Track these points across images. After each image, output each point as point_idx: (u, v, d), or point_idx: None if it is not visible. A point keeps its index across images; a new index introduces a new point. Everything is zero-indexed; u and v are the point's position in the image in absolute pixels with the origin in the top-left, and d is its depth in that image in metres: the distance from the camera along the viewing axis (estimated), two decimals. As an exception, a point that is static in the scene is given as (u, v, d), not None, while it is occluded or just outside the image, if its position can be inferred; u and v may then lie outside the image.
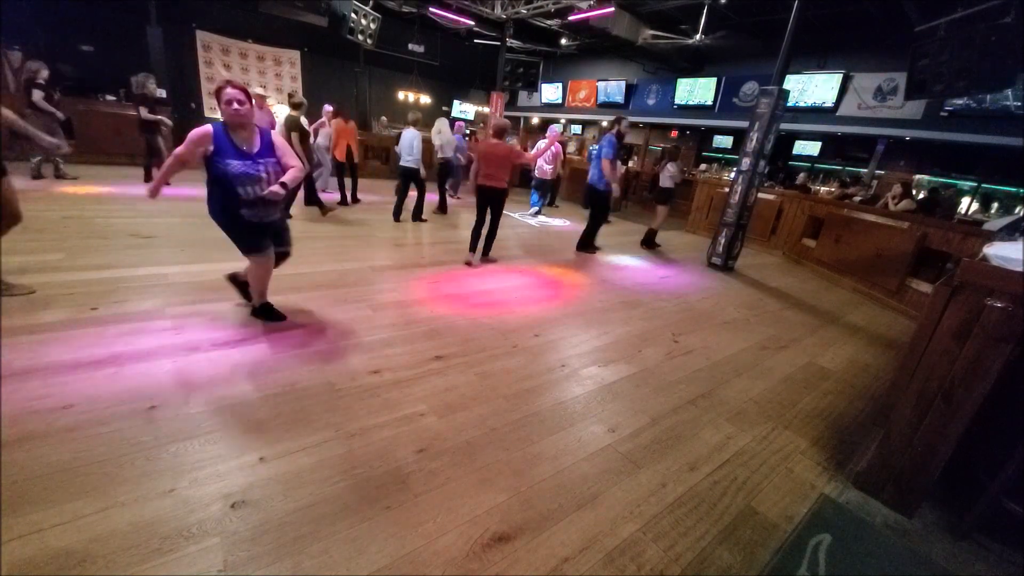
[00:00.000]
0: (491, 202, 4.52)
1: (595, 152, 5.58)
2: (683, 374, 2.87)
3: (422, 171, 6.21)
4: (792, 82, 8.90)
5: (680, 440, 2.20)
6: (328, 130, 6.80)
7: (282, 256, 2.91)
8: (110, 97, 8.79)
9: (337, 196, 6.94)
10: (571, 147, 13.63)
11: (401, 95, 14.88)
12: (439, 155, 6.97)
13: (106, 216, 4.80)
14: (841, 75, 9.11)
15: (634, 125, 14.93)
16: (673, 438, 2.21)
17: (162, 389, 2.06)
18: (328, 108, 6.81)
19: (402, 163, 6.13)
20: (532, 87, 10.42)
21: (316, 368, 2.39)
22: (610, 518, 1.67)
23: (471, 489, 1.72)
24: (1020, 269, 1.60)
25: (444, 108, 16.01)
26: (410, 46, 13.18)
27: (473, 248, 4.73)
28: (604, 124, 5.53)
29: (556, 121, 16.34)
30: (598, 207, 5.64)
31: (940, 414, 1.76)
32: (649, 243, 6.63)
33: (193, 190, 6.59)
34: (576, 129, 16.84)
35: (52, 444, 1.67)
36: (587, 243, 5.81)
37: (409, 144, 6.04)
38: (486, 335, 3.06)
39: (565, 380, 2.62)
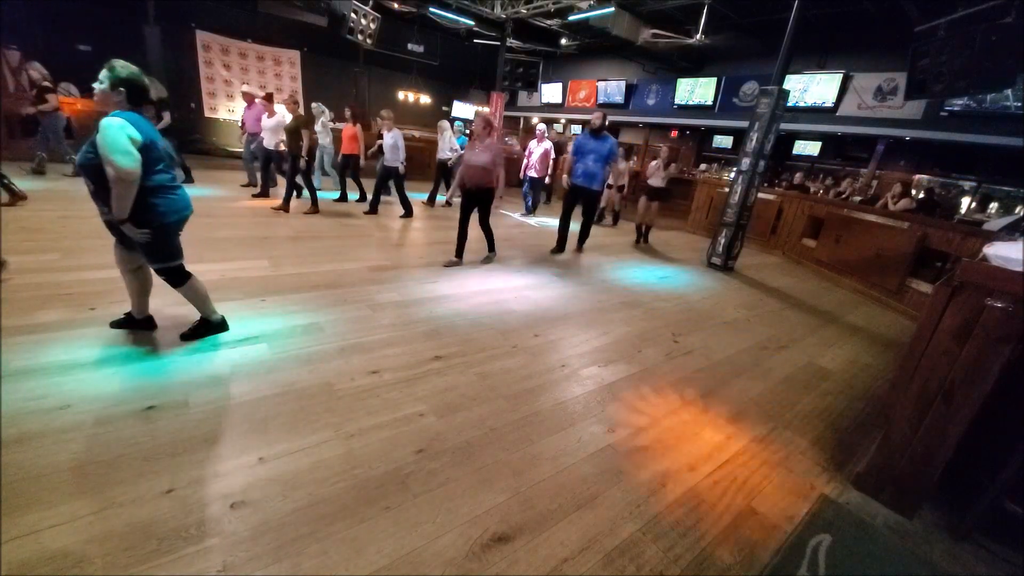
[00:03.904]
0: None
1: (585, 148, 5.28)
2: (683, 374, 2.87)
3: (401, 169, 6.35)
4: (792, 82, 8.90)
5: (680, 440, 2.20)
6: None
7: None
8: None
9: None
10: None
11: (401, 95, 14.88)
12: (454, 155, 7.39)
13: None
14: (841, 75, 9.11)
15: (634, 125, 14.96)
16: (673, 438, 2.20)
17: (161, 389, 2.06)
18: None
19: (387, 163, 6.29)
20: (532, 87, 10.40)
21: (315, 368, 2.39)
22: (610, 518, 1.67)
23: (471, 489, 1.71)
24: (1020, 269, 1.60)
25: (444, 108, 16.00)
26: (410, 46, 13.17)
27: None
28: (593, 121, 5.23)
29: (556, 121, 16.33)
30: (592, 206, 5.64)
31: (940, 414, 1.76)
32: (642, 238, 6.85)
33: (191, 190, 6.60)
34: (576, 129, 16.84)
35: (50, 444, 1.67)
36: (583, 242, 5.83)
37: (394, 144, 6.17)
38: (486, 335, 3.05)
39: (565, 380, 2.62)
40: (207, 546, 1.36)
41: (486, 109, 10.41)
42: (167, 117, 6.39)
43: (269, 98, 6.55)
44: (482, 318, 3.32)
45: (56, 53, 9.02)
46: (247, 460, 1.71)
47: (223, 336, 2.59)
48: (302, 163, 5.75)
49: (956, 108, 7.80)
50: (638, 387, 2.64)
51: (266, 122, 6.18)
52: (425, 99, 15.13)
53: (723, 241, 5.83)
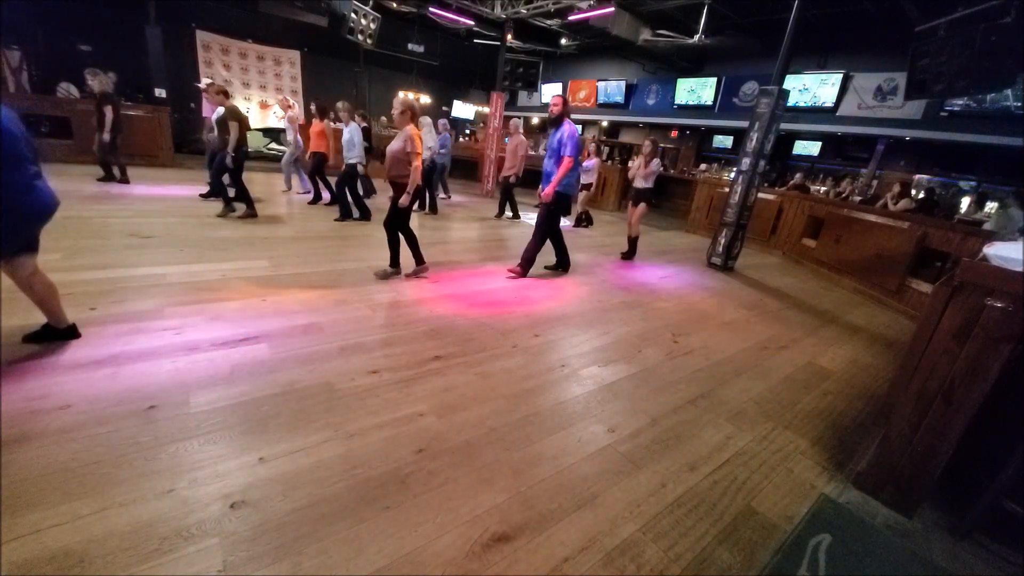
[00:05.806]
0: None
1: (547, 144, 4.51)
2: (683, 374, 2.87)
3: (360, 168, 5.95)
4: (792, 82, 8.91)
5: (680, 440, 2.20)
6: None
7: None
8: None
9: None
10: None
11: (401, 95, 14.89)
12: (429, 154, 6.68)
13: (104, 216, 4.80)
14: (841, 75, 9.12)
15: (634, 125, 14.97)
16: (673, 438, 2.20)
17: (161, 389, 2.06)
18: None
19: (345, 161, 5.79)
20: (532, 87, 10.40)
21: (315, 368, 2.39)
22: (610, 518, 1.67)
23: (471, 489, 1.71)
24: (1020, 269, 1.60)
25: (444, 108, 16.02)
26: (410, 46, 13.18)
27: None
28: (550, 110, 4.32)
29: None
30: (544, 210, 4.43)
31: (940, 414, 1.76)
32: (629, 254, 5.81)
33: (192, 190, 6.61)
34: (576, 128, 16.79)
35: (50, 444, 1.67)
36: (532, 260, 4.48)
37: (349, 139, 5.70)
38: (486, 335, 3.05)
39: (565, 380, 2.62)
40: (207, 546, 1.36)
41: (487, 109, 10.40)
42: (109, 113, 6.03)
43: (210, 88, 6.01)
44: (482, 318, 3.32)
45: (56, 53, 9.04)
46: (247, 460, 1.71)
47: (223, 336, 2.59)
48: (229, 160, 5.18)
49: (956, 108, 7.81)
50: (638, 387, 2.64)
51: (212, 116, 5.56)
52: (425, 99, 15.14)
53: (723, 241, 5.83)
